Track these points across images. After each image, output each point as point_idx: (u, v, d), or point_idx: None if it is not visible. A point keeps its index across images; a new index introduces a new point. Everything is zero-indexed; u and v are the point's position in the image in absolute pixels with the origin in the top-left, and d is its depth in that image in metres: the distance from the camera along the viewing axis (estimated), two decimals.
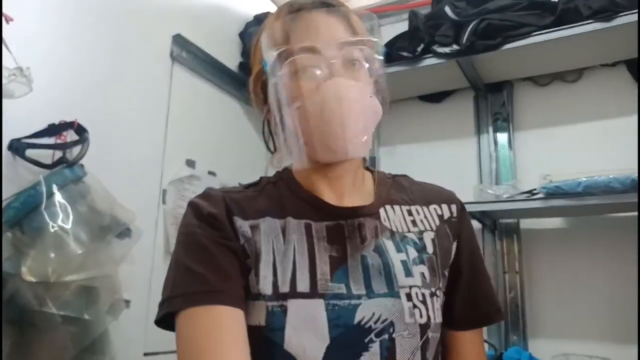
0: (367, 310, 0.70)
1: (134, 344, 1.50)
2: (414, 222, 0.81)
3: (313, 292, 0.71)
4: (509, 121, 2.03)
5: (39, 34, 1.40)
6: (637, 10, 1.60)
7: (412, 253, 0.77)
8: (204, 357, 0.64)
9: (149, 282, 1.58)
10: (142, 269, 1.50)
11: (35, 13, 1.40)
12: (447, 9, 1.87)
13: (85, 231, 1.25)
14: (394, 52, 1.95)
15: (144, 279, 1.57)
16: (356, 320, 0.70)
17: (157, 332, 0.76)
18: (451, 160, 2.09)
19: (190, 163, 1.86)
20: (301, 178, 0.81)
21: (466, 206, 1.56)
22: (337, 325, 0.69)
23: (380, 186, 0.84)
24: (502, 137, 2.03)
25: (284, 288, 0.71)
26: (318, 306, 0.70)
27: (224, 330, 0.66)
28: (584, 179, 1.53)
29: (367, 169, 0.87)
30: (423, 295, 0.74)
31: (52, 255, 1.14)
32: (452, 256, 0.82)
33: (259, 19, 2.29)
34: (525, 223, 1.92)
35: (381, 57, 0.77)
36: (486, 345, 1.81)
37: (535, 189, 1.70)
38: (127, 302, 1.42)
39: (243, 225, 0.74)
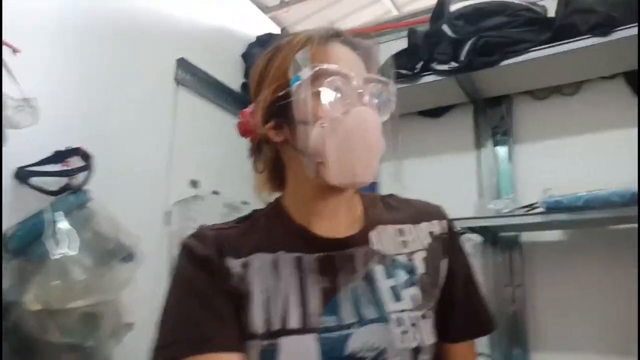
0: (359, 340, 0.72)
1: None
2: (404, 243, 0.82)
3: (304, 328, 0.72)
4: (508, 135, 2.04)
5: (45, 62, 1.45)
6: (636, 24, 1.61)
7: (402, 277, 0.79)
8: None
9: (152, 305, 1.59)
10: (146, 292, 1.52)
11: (42, 42, 1.45)
12: (445, 27, 1.89)
13: (89, 257, 1.28)
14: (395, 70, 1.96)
15: (148, 302, 1.57)
16: (348, 351, 0.71)
17: None
18: (451, 174, 2.10)
19: (194, 183, 1.89)
20: (293, 209, 0.82)
21: (467, 221, 1.58)
22: (330, 358, 0.70)
23: (369, 210, 0.85)
24: (502, 151, 2.03)
25: (276, 325, 0.71)
26: (310, 341, 0.71)
27: None
28: (584, 193, 1.53)
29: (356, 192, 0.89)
30: (414, 318, 0.75)
31: (56, 282, 1.17)
32: (445, 272, 0.84)
33: (261, 40, 2.33)
34: (526, 236, 1.92)
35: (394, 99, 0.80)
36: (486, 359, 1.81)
37: (535, 203, 1.70)
38: (131, 325, 1.43)
39: (235, 265, 0.75)
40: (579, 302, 1.78)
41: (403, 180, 0.81)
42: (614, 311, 1.71)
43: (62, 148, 1.43)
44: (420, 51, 1.96)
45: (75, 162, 1.44)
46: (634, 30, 1.62)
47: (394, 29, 2.35)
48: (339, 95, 0.73)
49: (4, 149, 1.25)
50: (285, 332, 0.71)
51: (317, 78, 0.72)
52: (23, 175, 1.35)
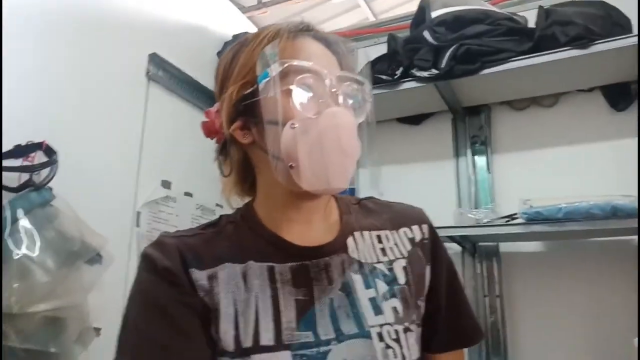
0: (338, 356, 0.67)
1: None
2: (383, 251, 0.78)
3: (278, 344, 0.66)
4: (486, 144, 2.04)
5: (9, 55, 1.35)
6: (614, 38, 1.63)
7: (382, 287, 0.74)
8: None
9: (121, 309, 1.51)
10: (114, 296, 1.43)
11: (7, 35, 1.35)
12: (426, 33, 1.87)
13: (52, 258, 1.20)
14: (372, 74, 1.94)
15: (116, 306, 1.49)
16: None
17: None
18: (430, 182, 2.08)
19: (166, 184, 1.81)
20: (264, 214, 0.76)
21: (446, 230, 1.55)
22: None
23: (346, 215, 0.80)
24: (481, 161, 2.03)
25: (247, 342, 0.66)
26: (285, 358, 0.65)
27: None
28: (564, 205, 1.53)
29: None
30: (396, 332, 0.71)
31: (16, 284, 1.08)
32: (428, 281, 0.80)
33: (238, 39, 2.27)
34: (505, 246, 1.91)
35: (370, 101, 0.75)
36: None
37: (515, 214, 1.69)
38: (98, 330, 1.35)
39: (200, 277, 0.69)
40: (558, 313, 1.77)
41: (380, 187, 0.81)
42: (594, 322, 1.71)
43: (23, 143, 1.34)
44: (400, 57, 1.94)
45: (38, 157, 1.35)
46: (613, 44, 1.64)
47: (373, 34, 2.33)
48: (310, 94, 0.68)
49: None
50: (257, 349, 0.66)
51: (287, 75, 0.68)
52: None
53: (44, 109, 1.43)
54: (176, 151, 1.91)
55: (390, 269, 0.76)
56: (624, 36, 1.64)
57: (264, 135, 0.69)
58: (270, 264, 0.71)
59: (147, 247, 0.72)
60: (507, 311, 1.85)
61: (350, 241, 0.76)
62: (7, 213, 1.17)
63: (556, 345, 1.76)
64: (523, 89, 1.97)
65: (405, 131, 2.20)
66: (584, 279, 1.75)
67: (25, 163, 1.33)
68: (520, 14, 1.95)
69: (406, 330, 0.72)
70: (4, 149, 1.30)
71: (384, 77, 1.94)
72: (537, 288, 1.83)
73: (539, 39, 1.76)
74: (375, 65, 1.98)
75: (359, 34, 2.36)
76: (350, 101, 0.73)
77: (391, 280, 0.75)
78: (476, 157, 2.04)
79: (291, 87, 0.67)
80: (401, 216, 0.83)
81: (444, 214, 1.85)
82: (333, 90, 0.69)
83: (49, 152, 1.37)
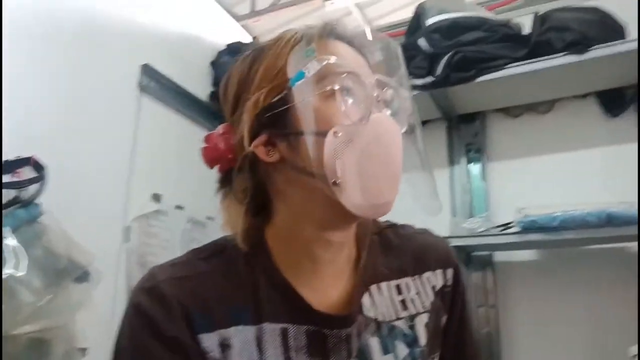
0: None
1: None
2: (403, 303, 0.69)
3: None
4: (481, 152, 2.02)
5: None
6: (609, 44, 1.63)
7: (402, 350, 0.67)
8: None
9: (109, 328, 1.48)
10: (102, 314, 1.41)
11: None
12: (422, 41, 1.86)
13: (39, 277, 1.17)
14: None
15: (104, 325, 1.47)
16: None
17: None
18: None
19: (156, 197, 1.78)
20: (280, 251, 0.65)
21: None
22: None
23: (364, 253, 0.69)
24: (475, 168, 2.01)
25: None
26: None
27: None
28: (560, 213, 1.52)
29: None
30: None
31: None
32: (442, 329, 0.74)
33: (232, 48, 2.26)
34: (500, 256, 1.89)
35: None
36: None
37: (510, 223, 1.67)
38: (84, 350, 1.32)
39: (211, 345, 0.60)
40: (554, 323, 1.75)
41: (438, 200, 0.68)
42: (589, 332, 1.69)
43: (12, 157, 1.31)
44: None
45: (26, 172, 1.32)
46: (608, 50, 1.64)
47: None
48: (353, 98, 0.60)
49: None
50: None
51: (325, 77, 0.59)
52: None
53: (32, 122, 1.41)
54: (167, 163, 1.88)
55: (412, 326, 0.69)
56: (621, 41, 1.63)
57: (297, 148, 0.60)
58: (285, 325, 0.63)
59: (142, 295, 0.61)
60: (502, 321, 1.82)
61: (366, 298, 0.67)
62: None
63: (552, 356, 1.73)
64: (518, 96, 1.95)
65: None
66: (580, 288, 1.73)
67: (13, 179, 1.31)
68: (516, 20, 1.93)
69: None
70: None
71: None
72: (532, 297, 1.80)
73: (535, 45, 1.75)
74: None
75: None
76: (388, 110, 0.64)
77: (412, 341, 0.68)
78: (471, 165, 2.02)
79: (335, 87, 0.59)
80: (425, 255, 0.74)
81: (438, 222, 1.82)
82: (375, 94, 0.61)
83: (38, 167, 1.34)
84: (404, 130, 0.65)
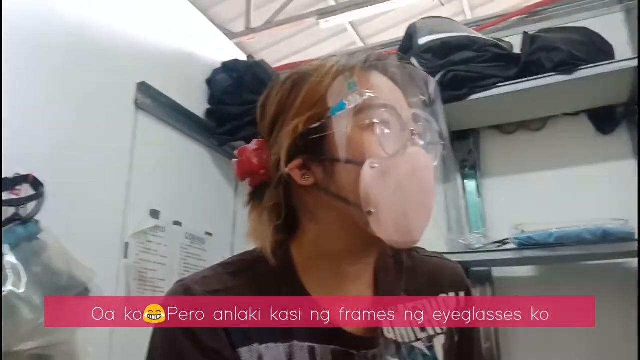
0: None
1: None
2: (422, 325, 0.71)
3: None
4: (476, 168, 2.05)
5: None
6: (598, 64, 1.67)
7: None
8: None
9: (109, 344, 1.48)
10: (103, 330, 1.40)
11: None
12: (414, 60, 1.89)
13: (39, 294, 1.16)
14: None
15: (105, 342, 1.47)
16: None
17: None
18: None
19: (155, 213, 1.79)
20: (305, 269, 0.68)
21: None
22: None
23: (380, 274, 0.72)
24: (470, 185, 2.03)
25: None
26: None
27: None
28: (556, 230, 1.54)
29: None
30: None
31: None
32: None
33: (227, 66, 2.28)
34: (498, 271, 1.90)
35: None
36: None
37: (507, 239, 1.70)
38: None
39: (250, 357, 0.62)
40: (553, 339, 1.76)
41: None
42: (587, 347, 1.70)
43: (11, 175, 1.32)
44: None
45: (25, 190, 1.33)
46: (597, 70, 1.68)
47: None
48: (390, 131, 0.62)
49: None
50: None
51: (363, 109, 0.62)
52: None
53: (30, 140, 1.41)
54: (165, 180, 1.89)
55: (430, 347, 0.70)
56: (608, 61, 1.68)
57: (332, 175, 0.62)
58: (311, 344, 0.64)
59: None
60: (502, 337, 1.83)
61: (386, 322, 0.68)
62: None
63: None
64: (510, 114, 1.98)
65: None
66: None
67: (12, 196, 1.31)
68: (506, 39, 1.98)
69: None
70: None
71: None
72: None
73: (525, 65, 1.78)
74: None
75: None
76: (422, 142, 0.66)
77: None
78: (466, 182, 2.04)
79: (375, 120, 0.61)
80: (439, 277, 0.76)
81: (434, 238, 1.83)
82: (411, 128, 0.64)
83: (36, 184, 1.35)
84: (435, 163, 0.67)
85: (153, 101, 1.89)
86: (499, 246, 1.71)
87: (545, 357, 1.76)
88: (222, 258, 0.75)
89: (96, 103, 1.65)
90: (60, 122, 1.52)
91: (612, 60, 1.70)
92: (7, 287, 1.12)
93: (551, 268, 1.83)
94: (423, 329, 0.71)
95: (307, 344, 0.64)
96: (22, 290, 1.13)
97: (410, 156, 0.62)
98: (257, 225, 0.69)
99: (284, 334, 0.64)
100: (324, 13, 2.93)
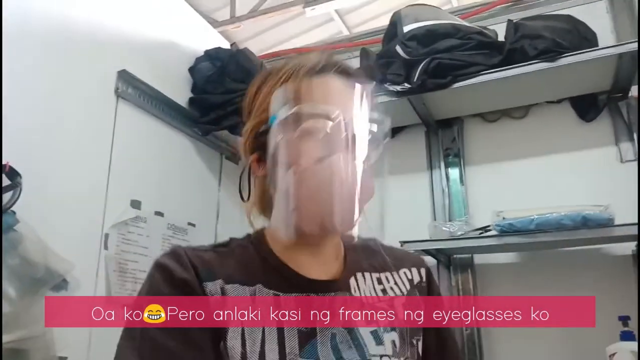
0: None
1: None
2: (384, 291, 0.80)
3: None
4: (459, 156, 2.05)
5: None
6: (581, 51, 1.66)
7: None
8: None
9: (88, 336, 1.47)
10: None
11: None
12: (398, 48, 1.88)
13: (15, 286, 1.16)
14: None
15: (82, 333, 1.45)
16: None
17: None
18: (404, 195, 2.08)
19: (136, 204, 1.77)
20: (274, 243, 0.78)
21: (421, 244, 1.56)
22: None
23: (350, 252, 0.82)
24: (454, 173, 2.04)
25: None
26: None
27: None
28: (536, 216, 1.55)
29: None
30: None
31: None
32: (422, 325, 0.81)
33: (210, 55, 2.25)
34: (480, 258, 1.91)
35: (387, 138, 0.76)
36: None
37: (488, 226, 1.70)
38: (64, 359, 1.31)
39: (213, 288, 0.70)
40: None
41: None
42: (569, 332, 1.72)
43: None
44: (373, 71, 1.94)
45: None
46: (580, 57, 1.67)
47: (346, 48, 2.33)
48: (317, 139, 0.69)
49: None
50: None
51: (298, 118, 0.69)
52: None
53: (6, 128, 1.39)
54: (146, 169, 1.87)
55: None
56: (591, 49, 1.67)
57: (273, 172, 0.71)
58: (277, 292, 0.72)
59: (162, 257, 0.73)
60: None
61: (352, 281, 0.78)
62: None
63: (532, 356, 1.76)
64: (494, 102, 1.99)
65: None
66: (558, 289, 1.76)
67: None
68: (490, 27, 1.97)
69: None
70: None
71: None
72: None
73: (509, 53, 1.78)
74: None
75: (333, 49, 2.35)
76: (362, 142, 0.71)
77: (391, 315, 0.77)
78: (449, 170, 2.05)
79: (302, 130, 0.69)
80: (401, 259, 0.86)
81: (419, 226, 1.85)
82: (344, 134, 0.69)
83: (12, 174, 1.33)
84: (373, 161, 0.73)
85: (134, 89, 1.87)
86: (480, 233, 1.72)
87: (525, 342, 1.77)
88: None
89: (76, 91, 1.63)
90: (38, 111, 1.49)
91: (595, 48, 1.69)
92: None
93: (531, 255, 1.85)
94: (385, 293, 0.80)
95: (271, 291, 0.72)
96: None
97: (328, 165, 0.68)
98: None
99: (249, 281, 0.72)
100: (310, 1, 2.90)
